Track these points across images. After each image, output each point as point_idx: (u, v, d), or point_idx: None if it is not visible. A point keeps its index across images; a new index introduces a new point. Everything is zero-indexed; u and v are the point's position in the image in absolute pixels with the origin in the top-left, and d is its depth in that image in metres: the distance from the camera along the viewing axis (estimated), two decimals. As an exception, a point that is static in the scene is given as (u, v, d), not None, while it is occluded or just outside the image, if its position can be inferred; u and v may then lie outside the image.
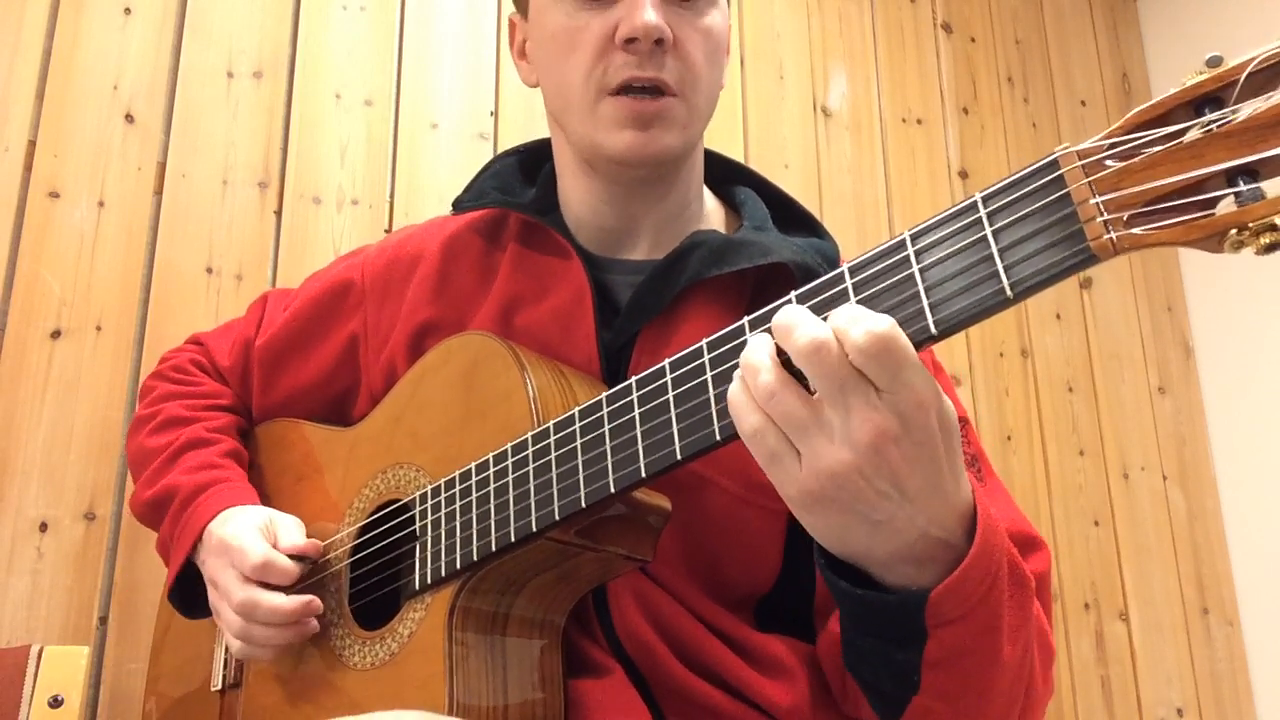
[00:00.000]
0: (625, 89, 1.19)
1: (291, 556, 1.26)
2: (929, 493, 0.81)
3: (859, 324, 0.76)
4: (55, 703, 1.51)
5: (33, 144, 2.01)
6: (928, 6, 3.19)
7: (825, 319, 0.79)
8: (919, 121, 3.06)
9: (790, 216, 1.39)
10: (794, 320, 0.80)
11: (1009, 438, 2.91)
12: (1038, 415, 2.98)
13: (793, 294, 0.86)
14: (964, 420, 1.24)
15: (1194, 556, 3.09)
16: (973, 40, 3.24)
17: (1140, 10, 3.57)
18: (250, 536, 1.26)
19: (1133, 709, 2.86)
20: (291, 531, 1.29)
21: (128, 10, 2.14)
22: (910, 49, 3.12)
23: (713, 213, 1.40)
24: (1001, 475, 2.79)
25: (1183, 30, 3.41)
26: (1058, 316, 3.11)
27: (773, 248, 1.25)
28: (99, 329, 1.99)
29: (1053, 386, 3.03)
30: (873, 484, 0.80)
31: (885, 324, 0.76)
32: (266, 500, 1.43)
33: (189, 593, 1.36)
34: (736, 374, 0.84)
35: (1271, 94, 0.65)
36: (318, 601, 1.23)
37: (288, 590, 1.25)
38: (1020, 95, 3.27)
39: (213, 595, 1.29)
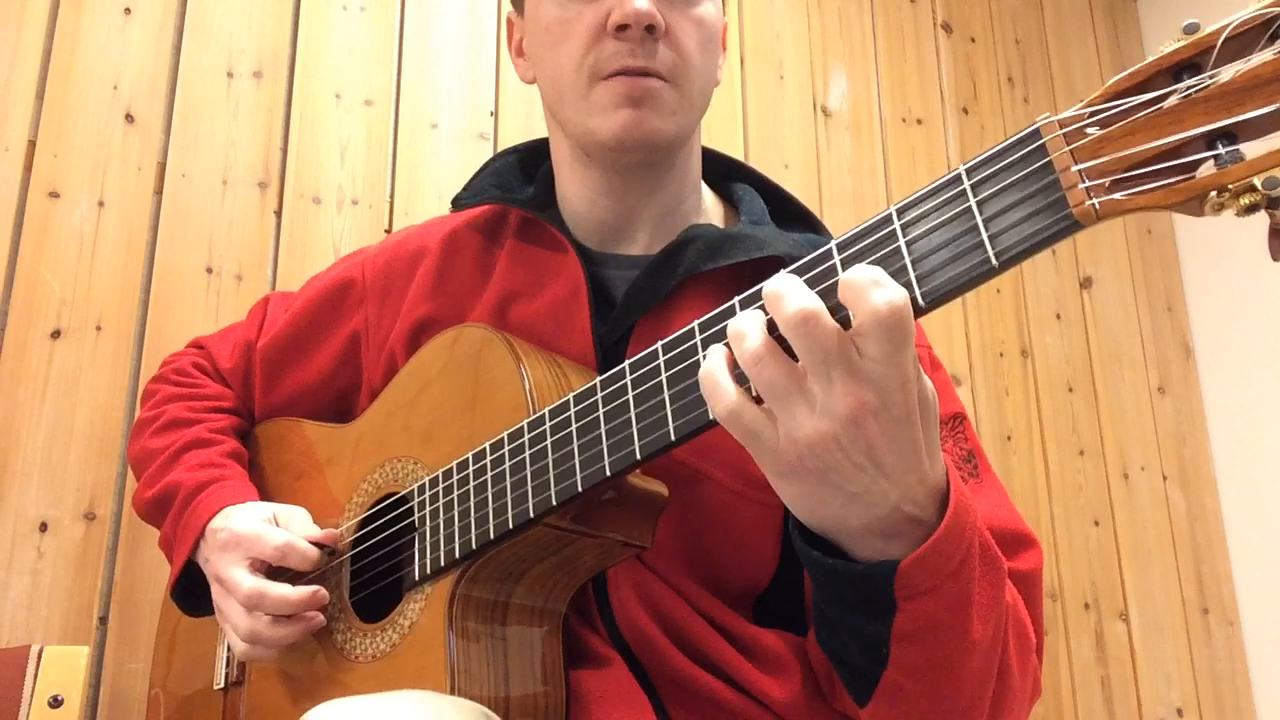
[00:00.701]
0: (617, 75, 1.20)
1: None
2: (904, 469, 0.82)
3: (882, 291, 0.77)
4: (55, 703, 1.51)
5: (33, 144, 2.01)
6: (928, 6, 3.20)
7: (835, 282, 0.80)
8: (919, 121, 3.06)
9: (788, 212, 1.39)
10: (784, 289, 0.80)
11: (1009, 438, 2.91)
12: (1038, 415, 2.98)
13: (782, 272, 0.86)
14: (962, 416, 1.24)
15: (1194, 556, 3.09)
16: (973, 40, 3.24)
17: (1140, 10, 3.58)
18: (262, 526, 1.26)
19: (1133, 709, 2.85)
20: (304, 522, 1.30)
21: (128, 10, 2.15)
22: (910, 49, 3.12)
23: (711, 208, 1.40)
24: (1001, 475, 2.79)
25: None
26: (1058, 316, 3.11)
27: (768, 241, 1.25)
28: (99, 329, 1.99)
29: (1053, 386, 3.03)
30: (849, 456, 0.80)
31: (901, 296, 0.77)
32: (268, 499, 1.43)
33: (191, 590, 1.36)
34: (712, 350, 0.85)
35: (1248, 58, 0.65)
36: (324, 592, 1.23)
37: (294, 582, 1.25)
38: (1020, 95, 3.27)
39: (217, 593, 1.29)
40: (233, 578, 1.24)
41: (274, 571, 1.26)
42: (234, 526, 1.27)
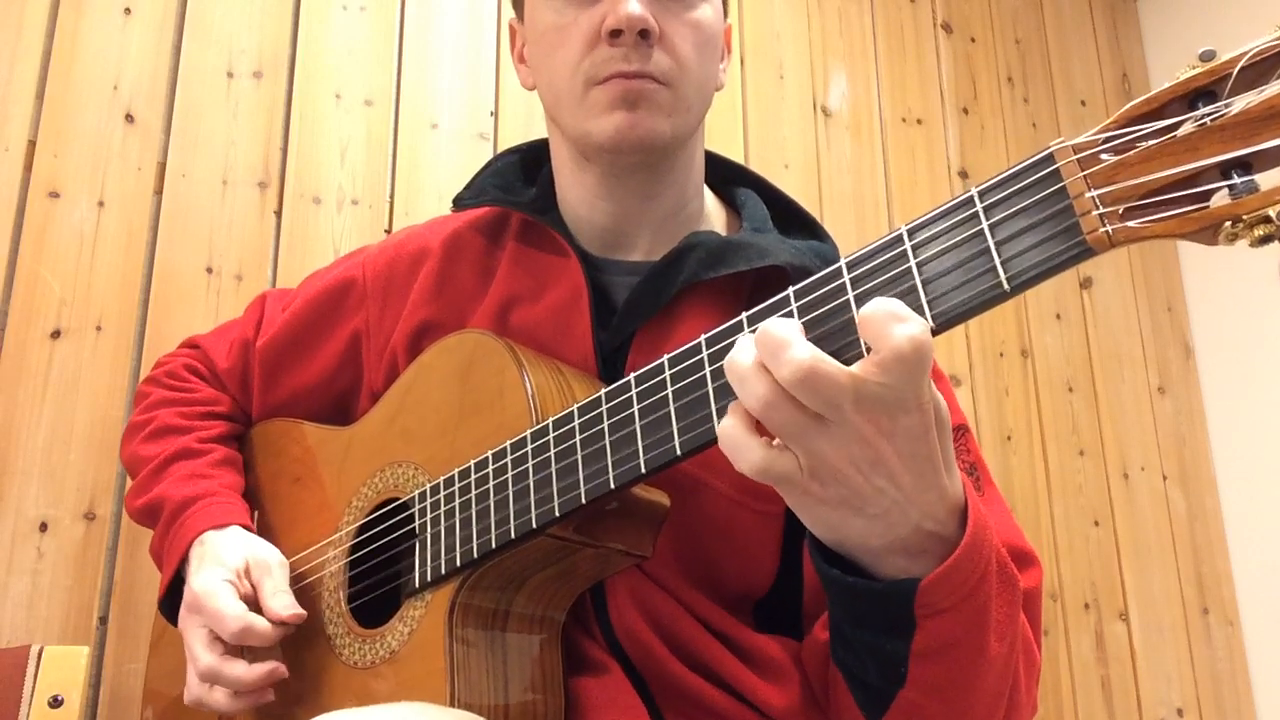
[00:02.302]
0: (612, 79, 1.20)
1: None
2: (923, 487, 0.82)
3: (904, 325, 0.75)
4: (55, 703, 1.51)
5: (33, 144, 2.01)
6: (928, 6, 3.19)
7: (844, 301, 0.80)
8: (919, 121, 3.06)
9: (791, 218, 1.39)
10: (779, 340, 0.78)
11: (1009, 438, 2.91)
12: (1038, 415, 2.98)
13: (790, 290, 0.86)
14: (964, 428, 1.24)
15: (1194, 556, 3.09)
16: (973, 40, 3.24)
17: (1140, 10, 3.57)
18: (225, 598, 1.23)
19: (1133, 709, 2.86)
20: (275, 584, 1.27)
21: (128, 10, 2.14)
22: (910, 49, 3.12)
23: (713, 213, 1.40)
24: (1001, 475, 2.80)
25: (1183, 30, 3.42)
26: (1058, 316, 3.11)
27: (770, 250, 1.25)
28: (99, 329, 1.99)
29: (1053, 386, 3.03)
30: (869, 480, 0.80)
31: (922, 328, 0.76)
32: (262, 503, 1.42)
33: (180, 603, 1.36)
34: (731, 407, 0.84)
35: (1264, 88, 0.65)
36: (282, 669, 1.23)
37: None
38: (1020, 95, 3.27)
39: (185, 645, 1.28)
40: (192, 648, 1.25)
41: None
42: (199, 590, 1.26)
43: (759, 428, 0.82)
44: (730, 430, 0.82)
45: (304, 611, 1.25)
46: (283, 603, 1.25)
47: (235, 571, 1.27)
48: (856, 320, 0.79)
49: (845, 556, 0.89)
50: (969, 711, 0.95)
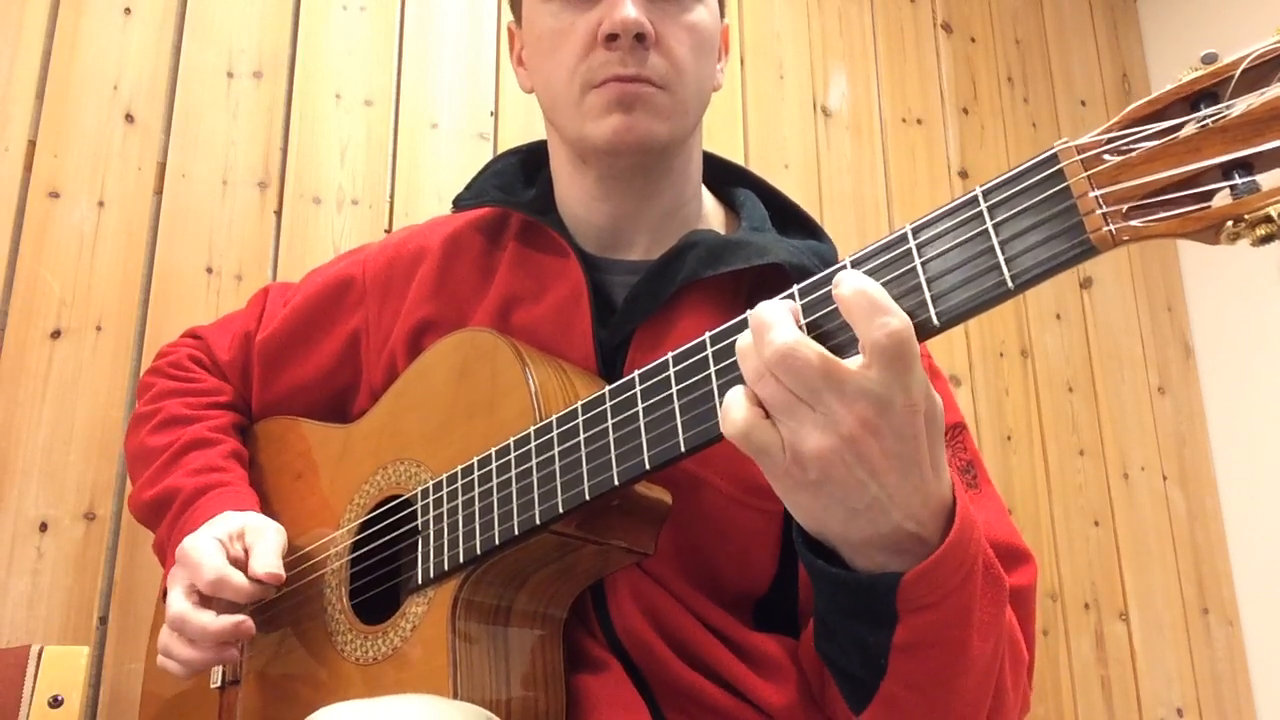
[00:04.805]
0: (608, 83, 1.21)
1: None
2: (908, 488, 0.83)
3: (884, 319, 0.77)
4: (55, 703, 1.51)
5: (33, 144, 2.01)
6: (928, 6, 3.20)
7: (838, 284, 0.81)
8: (919, 121, 3.06)
9: (789, 218, 1.40)
10: (766, 320, 0.82)
11: (1009, 438, 2.91)
12: (1038, 415, 2.98)
13: (795, 289, 0.87)
14: (962, 426, 1.25)
15: (1194, 556, 3.09)
16: (973, 40, 3.24)
17: (1140, 10, 3.58)
18: (208, 549, 1.24)
19: (1133, 709, 2.86)
20: (266, 547, 1.27)
21: (128, 10, 2.15)
22: (910, 49, 3.12)
23: (712, 214, 1.40)
24: (1001, 475, 2.80)
25: (1183, 30, 3.42)
26: (1058, 316, 3.11)
27: (769, 248, 1.25)
28: (99, 329, 1.99)
29: (1053, 386, 3.03)
30: (851, 472, 0.81)
31: (902, 321, 0.77)
32: (266, 499, 1.42)
33: None
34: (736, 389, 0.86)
35: (1265, 90, 0.66)
36: (249, 623, 1.22)
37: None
38: (1020, 95, 3.27)
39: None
40: (170, 597, 1.25)
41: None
42: (188, 545, 1.26)
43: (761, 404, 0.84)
44: (730, 395, 0.85)
45: (283, 574, 1.25)
46: (264, 562, 1.24)
47: (229, 534, 1.27)
48: (835, 299, 0.81)
49: (828, 547, 0.90)
50: (951, 707, 0.95)
